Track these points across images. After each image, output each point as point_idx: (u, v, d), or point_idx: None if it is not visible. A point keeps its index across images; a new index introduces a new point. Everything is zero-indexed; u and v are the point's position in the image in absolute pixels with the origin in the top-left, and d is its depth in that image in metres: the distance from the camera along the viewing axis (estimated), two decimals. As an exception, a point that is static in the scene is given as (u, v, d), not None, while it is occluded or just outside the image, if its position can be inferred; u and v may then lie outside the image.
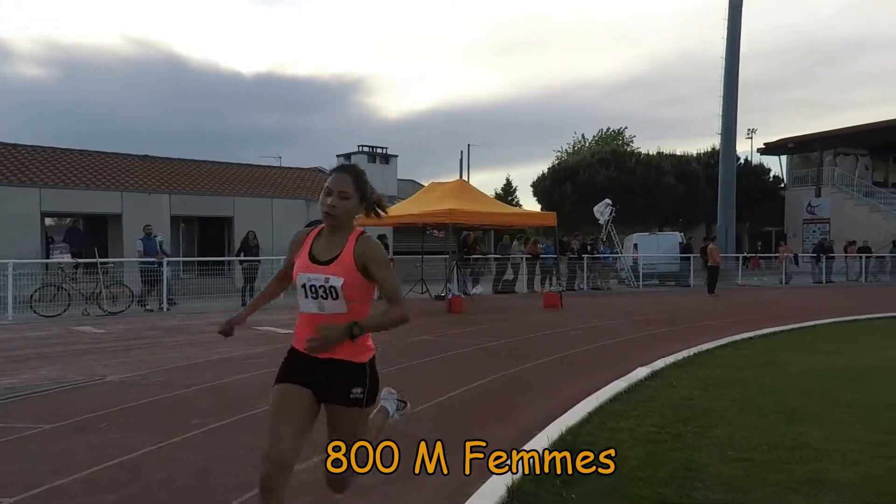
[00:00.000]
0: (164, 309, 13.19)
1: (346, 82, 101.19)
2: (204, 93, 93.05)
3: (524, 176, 75.02)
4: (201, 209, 19.64)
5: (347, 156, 28.89)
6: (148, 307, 13.12)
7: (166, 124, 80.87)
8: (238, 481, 3.44)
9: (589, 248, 19.81)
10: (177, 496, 3.29)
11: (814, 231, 33.03)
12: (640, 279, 20.85)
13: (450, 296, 13.19)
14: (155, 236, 14.06)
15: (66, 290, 12.40)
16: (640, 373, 6.09)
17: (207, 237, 21.09)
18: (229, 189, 20.60)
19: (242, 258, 14.91)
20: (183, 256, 18.20)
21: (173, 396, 5.46)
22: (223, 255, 17.84)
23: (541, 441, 3.96)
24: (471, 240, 18.70)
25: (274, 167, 25.61)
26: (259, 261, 15.09)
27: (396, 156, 29.36)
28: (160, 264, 13.37)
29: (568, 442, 3.97)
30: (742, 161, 34.87)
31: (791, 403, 4.92)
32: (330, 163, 29.00)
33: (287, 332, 9.61)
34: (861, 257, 24.61)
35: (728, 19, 25.78)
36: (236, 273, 15.66)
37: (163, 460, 3.81)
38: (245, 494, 3.25)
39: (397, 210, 16.69)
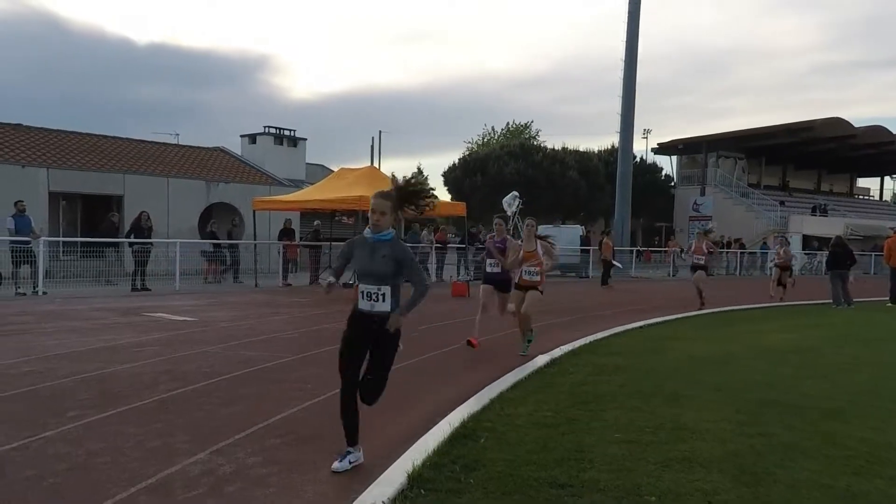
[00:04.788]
0: (40, 293, 12.06)
1: (249, 58, 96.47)
2: (87, 59, 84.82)
3: (435, 165, 75.51)
4: (86, 186, 18.06)
5: (253, 137, 27.60)
6: (20, 290, 11.94)
7: (42, 92, 73.00)
8: (122, 476, 3.22)
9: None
10: (47, 495, 3.03)
11: (699, 227, 35.82)
12: (543, 270, 21.65)
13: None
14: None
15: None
16: (540, 360, 6.35)
17: (93, 216, 19.45)
18: (119, 165, 19.08)
19: (133, 240, 13.90)
20: (63, 236, 16.68)
21: (48, 387, 5.01)
22: (111, 236, 16.53)
23: (443, 428, 4.02)
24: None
25: (170, 145, 24.01)
26: (152, 243, 14.13)
27: (305, 139, 28.37)
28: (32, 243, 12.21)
29: (469, 428, 4.06)
30: (638, 159, 37.08)
31: (671, 387, 5.33)
32: (234, 142, 27.61)
33: (182, 318, 9.09)
34: (737, 253, 27.03)
35: (627, 24, 27.20)
36: (126, 256, 14.59)
37: (32, 456, 3.49)
38: (129, 489, 3.05)
39: (305, 195, 16.27)
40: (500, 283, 7.22)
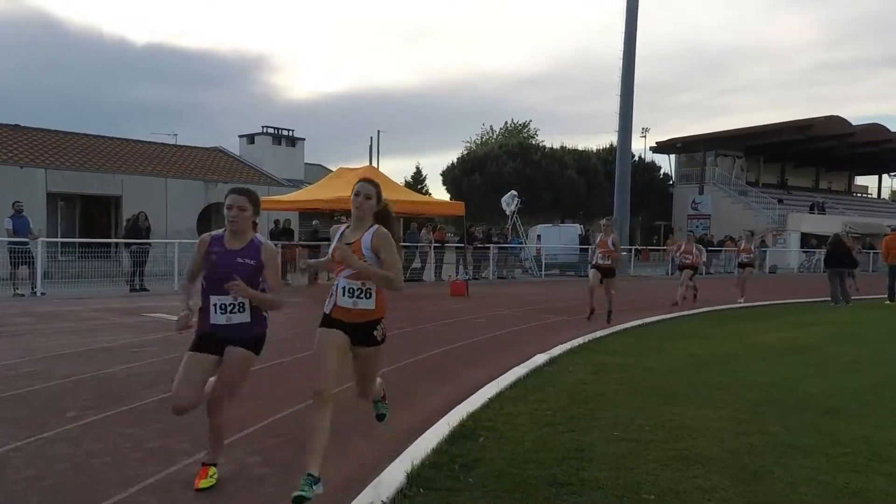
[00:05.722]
0: (38, 293, 12.04)
1: (247, 58, 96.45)
2: (85, 60, 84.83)
3: (434, 164, 75.65)
4: (84, 187, 18.06)
5: (251, 137, 27.58)
6: (18, 291, 11.93)
7: (40, 92, 73.02)
8: (121, 476, 3.22)
9: (495, 237, 20.34)
10: (47, 495, 3.02)
11: (697, 226, 35.84)
12: (543, 269, 21.70)
13: (355, 283, 13.00)
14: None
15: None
16: (539, 359, 6.35)
17: (91, 217, 19.45)
18: (117, 166, 19.08)
19: (131, 240, 13.88)
20: (62, 237, 16.67)
21: (47, 387, 5.01)
22: (109, 237, 16.52)
23: (442, 427, 4.03)
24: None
25: (168, 145, 24.02)
26: (150, 244, 14.11)
27: (303, 139, 28.39)
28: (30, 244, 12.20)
29: (468, 427, 4.06)
30: (636, 158, 37.08)
31: (671, 386, 5.33)
32: (232, 143, 27.61)
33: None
34: (735, 251, 27.02)
35: (625, 21, 27.19)
36: (124, 256, 14.57)
37: (32, 456, 3.49)
38: (128, 490, 3.05)
39: (304, 195, 16.29)
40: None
